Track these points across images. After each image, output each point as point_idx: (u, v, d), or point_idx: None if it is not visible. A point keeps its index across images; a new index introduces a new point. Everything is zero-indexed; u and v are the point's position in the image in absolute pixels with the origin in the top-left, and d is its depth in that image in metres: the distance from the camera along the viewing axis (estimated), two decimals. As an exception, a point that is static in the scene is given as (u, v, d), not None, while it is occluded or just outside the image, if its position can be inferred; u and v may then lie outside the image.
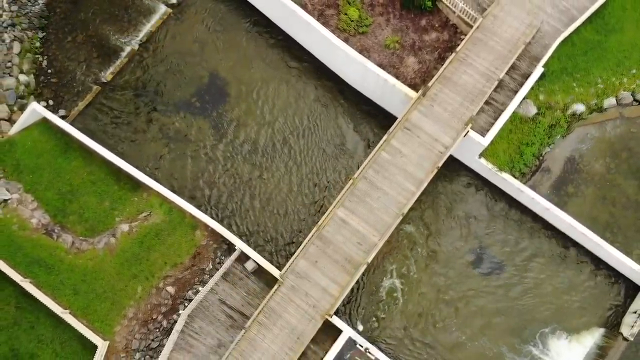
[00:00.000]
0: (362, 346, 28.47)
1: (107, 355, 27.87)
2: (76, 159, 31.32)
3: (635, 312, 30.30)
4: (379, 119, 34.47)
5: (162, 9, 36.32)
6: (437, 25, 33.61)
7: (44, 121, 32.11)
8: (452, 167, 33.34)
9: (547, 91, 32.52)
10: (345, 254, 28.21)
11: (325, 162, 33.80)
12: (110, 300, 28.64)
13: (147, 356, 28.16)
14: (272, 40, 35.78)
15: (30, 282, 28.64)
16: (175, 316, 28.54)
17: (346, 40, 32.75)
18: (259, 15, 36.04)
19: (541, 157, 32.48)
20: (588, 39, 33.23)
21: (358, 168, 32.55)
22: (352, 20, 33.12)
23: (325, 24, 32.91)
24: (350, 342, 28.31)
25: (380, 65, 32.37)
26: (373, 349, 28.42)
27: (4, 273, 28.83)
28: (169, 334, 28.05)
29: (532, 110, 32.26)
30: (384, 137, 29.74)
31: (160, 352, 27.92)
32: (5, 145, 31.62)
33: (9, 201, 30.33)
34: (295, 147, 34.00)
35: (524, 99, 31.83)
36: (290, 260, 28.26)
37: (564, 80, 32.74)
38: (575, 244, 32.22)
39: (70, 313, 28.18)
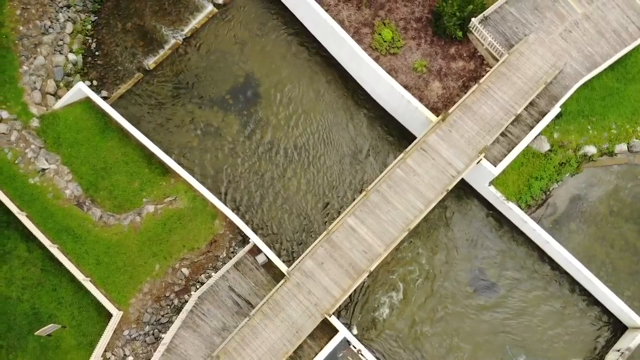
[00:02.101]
0: (355, 347, 30.31)
1: (120, 324, 30.04)
2: (113, 139, 33.46)
3: (618, 351, 31.68)
4: (398, 136, 36.22)
5: (209, 7, 38.36)
6: (465, 55, 35.24)
7: (87, 100, 34.25)
8: (463, 190, 35.01)
9: (562, 130, 34.00)
10: (351, 259, 30.06)
11: (343, 170, 35.61)
12: (129, 274, 30.78)
13: (156, 330, 30.29)
14: (309, 51, 37.64)
15: (58, 248, 30.85)
16: (186, 296, 30.65)
17: (377, 59, 34.52)
18: (299, 25, 37.94)
19: (548, 192, 34.00)
20: (608, 86, 34.64)
21: (371, 180, 34.51)
22: (385, 41, 34.88)
23: (359, 41, 34.70)
24: (345, 342, 30.19)
25: (406, 87, 34.11)
26: (365, 352, 30.23)
27: (35, 236, 31.07)
28: (179, 312, 30.17)
29: (545, 146, 33.75)
30: (401, 155, 31.52)
31: (169, 327, 30.05)
32: (49, 119, 33.81)
33: (46, 171, 32.55)
34: (316, 153, 35.84)
35: (538, 135, 33.39)
36: (299, 259, 30.18)
37: (580, 121, 34.20)
38: (571, 279, 33.71)
39: (90, 281, 30.36)
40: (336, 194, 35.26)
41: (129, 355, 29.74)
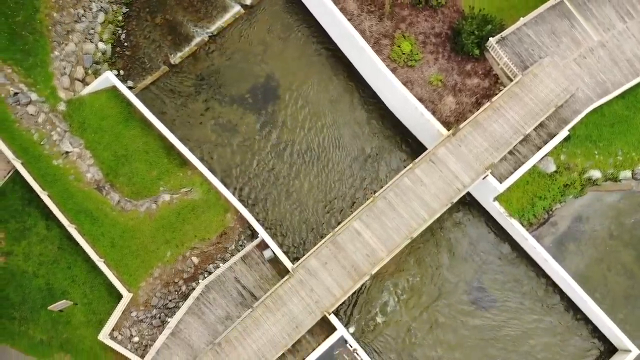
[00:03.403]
0: (351, 346, 31.46)
1: (129, 306, 31.40)
2: (135, 128, 34.81)
3: (606, 371, 32.65)
4: (408, 146, 37.32)
5: (236, 8, 39.64)
6: (480, 73, 36.24)
7: (113, 89, 35.56)
8: (468, 203, 36.05)
9: (569, 153, 34.88)
10: (353, 262, 31.22)
11: (352, 174, 36.74)
12: (141, 259, 32.14)
13: (163, 314, 31.63)
14: (329, 58, 38.80)
15: (75, 228, 32.23)
16: (194, 284, 31.96)
17: (394, 70, 35.61)
18: (322, 32, 39.12)
19: (551, 212, 34.92)
20: (617, 113, 35.46)
21: (378, 185, 35.67)
22: (404, 53, 35.96)
23: (378, 52, 35.81)
24: (342, 341, 31.35)
25: (420, 99, 35.16)
26: (360, 351, 31.38)
27: (54, 216, 32.51)
28: (186, 299, 31.50)
29: (552, 167, 34.64)
30: (410, 165, 32.62)
31: (175, 312, 31.38)
32: (76, 104, 35.18)
33: (70, 154, 33.95)
34: (327, 156, 37.01)
35: (545, 155, 34.30)
36: (304, 257, 31.41)
37: (587, 146, 35.06)
38: (566, 298, 34.64)
39: (104, 262, 31.75)
40: (344, 196, 36.43)
41: (135, 336, 31.08)
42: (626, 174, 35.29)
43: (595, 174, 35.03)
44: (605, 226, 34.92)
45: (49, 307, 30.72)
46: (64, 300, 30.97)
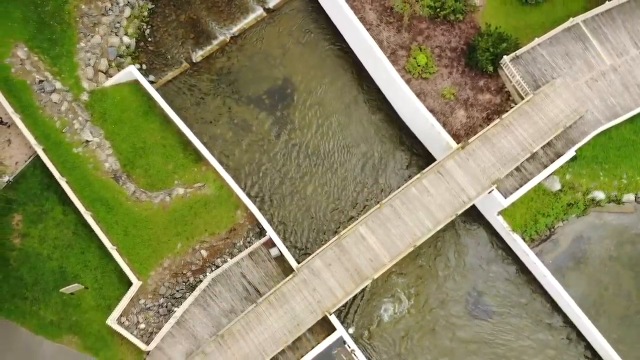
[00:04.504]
0: (349, 347, 32.37)
1: (137, 293, 32.46)
2: (154, 122, 35.90)
3: (597, 388, 33.34)
4: (417, 156, 38.20)
5: (259, 11, 40.69)
6: (492, 89, 37.04)
7: (135, 82, 36.68)
8: (472, 215, 36.88)
9: (574, 173, 35.57)
10: (357, 265, 32.15)
11: (361, 180, 37.66)
12: (153, 248, 33.20)
13: (169, 303, 32.68)
14: (345, 65, 39.82)
15: (91, 215, 33.33)
16: (201, 276, 32.99)
17: (408, 81, 36.49)
18: (340, 39, 40.09)
19: (552, 229, 35.61)
20: (625, 137, 36.13)
21: (386, 192, 36.57)
22: (419, 65, 36.82)
23: (394, 62, 36.72)
24: (340, 341, 32.26)
25: (432, 111, 36.02)
26: (358, 352, 32.29)
27: (71, 202, 33.61)
28: (193, 290, 32.52)
29: (556, 186, 35.38)
30: (417, 175, 33.50)
31: (182, 302, 32.41)
32: (98, 94, 36.32)
33: (90, 143, 35.08)
34: (337, 160, 37.93)
35: (551, 174, 35.05)
36: (309, 258, 32.36)
37: (593, 167, 35.76)
38: (563, 315, 35.37)
39: (117, 250, 32.82)
40: (351, 201, 37.35)
41: (141, 323, 32.13)
42: (629, 197, 35.92)
43: (599, 195, 35.70)
44: (605, 247, 35.57)
45: (61, 290, 31.80)
46: (76, 284, 32.02)
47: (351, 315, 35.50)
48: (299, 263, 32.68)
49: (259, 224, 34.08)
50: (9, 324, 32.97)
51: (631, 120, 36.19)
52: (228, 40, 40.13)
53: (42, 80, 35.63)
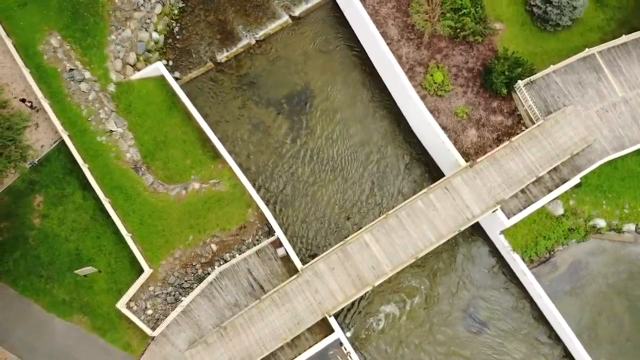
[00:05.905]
0: (345, 349, 33.57)
1: (148, 280, 33.85)
2: (176, 117, 37.27)
3: (582, 410, 34.25)
4: (426, 170, 39.34)
5: (285, 17, 42.01)
6: (505, 111, 38.04)
7: (161, 78, 38.05)
8: (475, 232, 37.94)
9: (578, 199, 36.49)
10: (359, 271, 33.31)
11: (371, 189, 38.85)
12: (165, 239, 34.59)
13: (177, 292, 34.04)
14: (364, 76, 41.03)
15: (109, 202, 34.77)
16: (210, 269, 34.31)
17: (423, 98, 37.59)
18: (361, 50, 41.30)
19: (552, 252, 36.54)
20: (630, 168, 36.98)
21: (392, 204, 37.70)
22: (435, 83, 37.91)
23: (411, 78, 37.84)
24: (337, 342, 33.47)
25: (444, 128, 37.10)
26: (354, 355, 33.47)
27: (92, 187, 35.12)
28: (200, 281, 33.87)
29: (559, 210, 36.32)
30: (425, 190, 34.62)
31: (189, 292, 33.76)
32: (125, 87, 37.77)
33: (113, 133, 36.54)
34: (350, 168, 39.16)
35: (555, 199, 36.00)
36: (313, 260, 33.58)
37: (596, 195, 36.64)
38: (555, 336, 36.32)
39: (131, 237, 34.24)
40: (359, 209, 38.53)
41: (149, 309, 33.53)
42: (630, 226, 36.77)
43: (600, 222, 36.57)
44: (602, 273, 36.45)
45: (75, 271, 33.29)
46: (90, 267, 33.50)
47: (350, 318, 36.67)
48: (303, 264, 33.88)
49: (268, 224, 35.34)
50: (23, 299, 34.44)
51: (638, 152, 37.01)
52: (253, 43, 41.43)
53: (73, 69, 37.13)
